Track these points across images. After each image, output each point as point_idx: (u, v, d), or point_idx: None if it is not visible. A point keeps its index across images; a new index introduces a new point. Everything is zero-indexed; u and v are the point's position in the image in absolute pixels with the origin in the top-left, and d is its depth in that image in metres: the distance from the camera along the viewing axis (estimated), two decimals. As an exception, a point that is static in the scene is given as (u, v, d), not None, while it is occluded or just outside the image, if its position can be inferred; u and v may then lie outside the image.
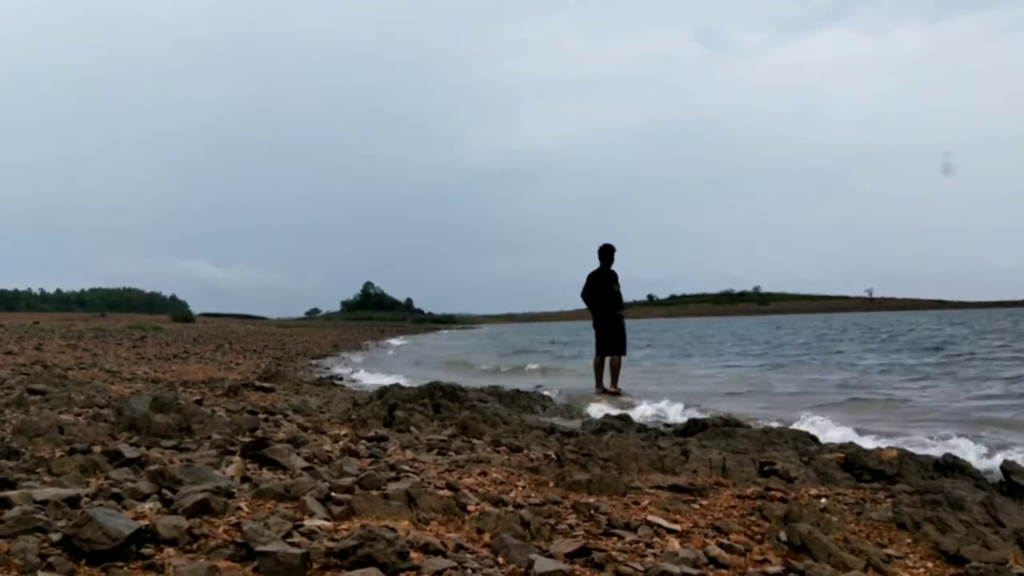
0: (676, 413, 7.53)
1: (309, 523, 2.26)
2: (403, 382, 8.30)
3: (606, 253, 9.70)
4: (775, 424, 6.15)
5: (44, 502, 2.22)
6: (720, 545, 2.47)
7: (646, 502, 2.98)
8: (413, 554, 2.07)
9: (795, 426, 6.03)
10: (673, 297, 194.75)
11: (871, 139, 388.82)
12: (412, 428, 4.90)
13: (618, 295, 9.76)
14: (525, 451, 4.25)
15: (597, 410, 7.71)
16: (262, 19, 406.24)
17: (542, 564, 2.07)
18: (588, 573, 2.15)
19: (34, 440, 3.31)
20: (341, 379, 11.77)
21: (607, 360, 9.61)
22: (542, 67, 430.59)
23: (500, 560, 2.15)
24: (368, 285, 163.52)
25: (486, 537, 2.35)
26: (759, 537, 2.65)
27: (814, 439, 5.30)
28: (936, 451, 5.06)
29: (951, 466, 3.99)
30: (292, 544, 2.04)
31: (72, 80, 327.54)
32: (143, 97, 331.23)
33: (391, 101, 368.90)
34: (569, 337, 33.36)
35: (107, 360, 11.37)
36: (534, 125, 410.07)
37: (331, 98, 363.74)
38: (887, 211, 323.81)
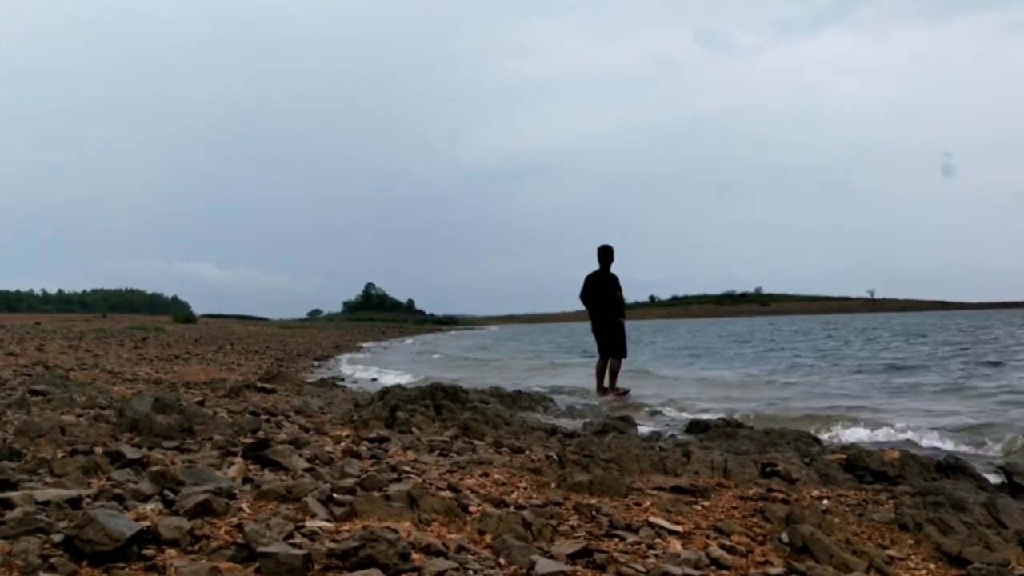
0: (678, 414, 7.53)
1: (311, 524, 2.26)
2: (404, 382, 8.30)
3: (605, 254, 9.59)
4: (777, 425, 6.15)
5: (46, 503, 2.22)
6: (722, 546, 2.47)
7: (648, 503, 2.98)
8: (415, 555, 2.07)
9: (796, 427, 6.03)
10: (675, 298, 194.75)
11: (871, 140, 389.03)
12: (414, 429, 4.90)
13: (621, 301, 9.69)
14: (527, 452, 4.25)
15: (598, 411, 7.71)
16: (262, 19, 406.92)
17: (544, 565, 2.07)
18: (590, 574, 2.15)
19: (36, 441, 3.31)
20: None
21: (608, 362, 9.59)
22: (542, 67, 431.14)
23: (502, 561, 2.15)
24: (370, 286, 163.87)
25: (488, 538, 2.35)
26: (761, 538, 2.65)
27: (816, 440, 5.30)
28: (938, 452, 5.07)
29: (953, 467, 3.99)
30: (294, 545, 2.04)
31: (72, 80, 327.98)
32: (144, 97, 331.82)
33: (392, 102, 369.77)
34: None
35: (109, 361, 11.38)
36: (535, 125, 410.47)
37: (332, 99, 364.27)
38: (888, 212, 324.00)
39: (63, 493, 2.32)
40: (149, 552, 1.95)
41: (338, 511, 2.43)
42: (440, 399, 6.05)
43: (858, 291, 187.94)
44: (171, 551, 1.98)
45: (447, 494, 2.78)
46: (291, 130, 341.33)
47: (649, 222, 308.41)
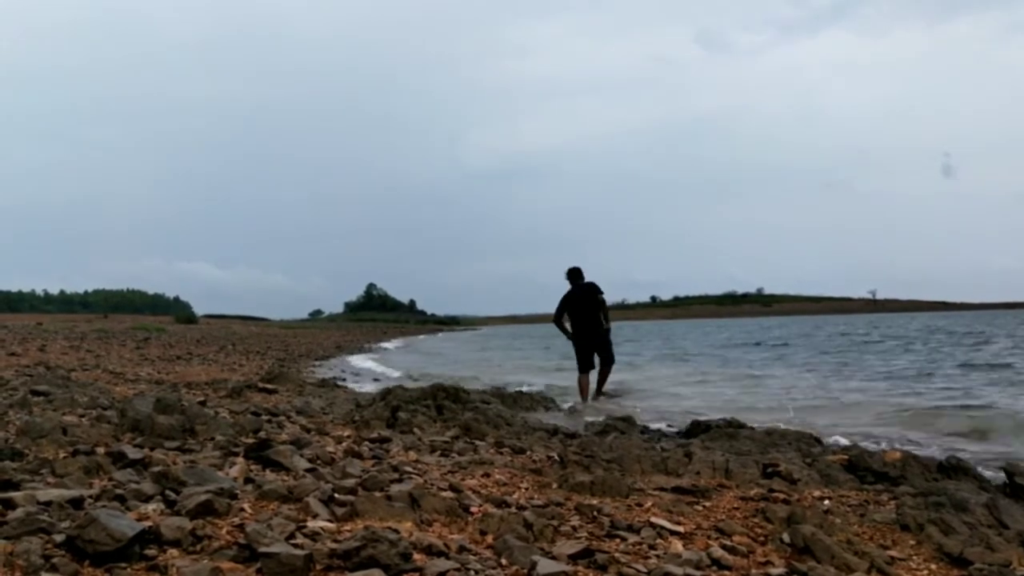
0: (679, 415, 7.53)
1: (312, 524, 2.27)
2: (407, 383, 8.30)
3: (575, 273, 9.34)
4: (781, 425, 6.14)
5: (48, 503, 2.23)
6: (723, 547, 2.47)
7: (649, 504, 2.98)
8: (416, 555, 2.07)
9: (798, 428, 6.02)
10: (676, 298, 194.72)
11: (871, 140, 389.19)
12: (415, 429, 4.90)
13: (606, 312, 9.47)
14: (528, 452, 4.25)
15: (600, 412, 7.71)
16: (262, 19, 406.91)
17: (545, 566, 2.07)
18: (591, 575, 2.15)
19: (38, 441, 3.32)
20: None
21: (593, 372, 9.36)
22: (542, 68, 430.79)
23: (503, 562, 2.15)
24: (371, 286, 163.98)
25: (489, 539, 2.35)
26: (762, 539, 2.65)
27: (817, 440, 5.30)
28: (940, 453, 5.06)
29: (955, 468, 3.98)
30: (295, 545, 2.04)
31: (72, 80, 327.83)
32: (144, 97, 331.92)
33: (392, 102, 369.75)
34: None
35: (110, 361, 11.39)
36: (535, 125, 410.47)
37: (332, 99, 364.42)
38: (888, 212, 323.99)
39: (65, 493, 2.33)
40: (151, 552, 1.95)
41: (340, 511, 2.43)
42: (441, 399, 6.05)
43: (859, 291, 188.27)
44: (173, 551, 1.98)
45: (449, 494, 2.78)
46: (291, 130, 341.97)
47: (649, 222, 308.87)
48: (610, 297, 9.68)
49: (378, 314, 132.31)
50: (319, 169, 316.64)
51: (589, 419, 6.75)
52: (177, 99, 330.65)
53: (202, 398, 5.90)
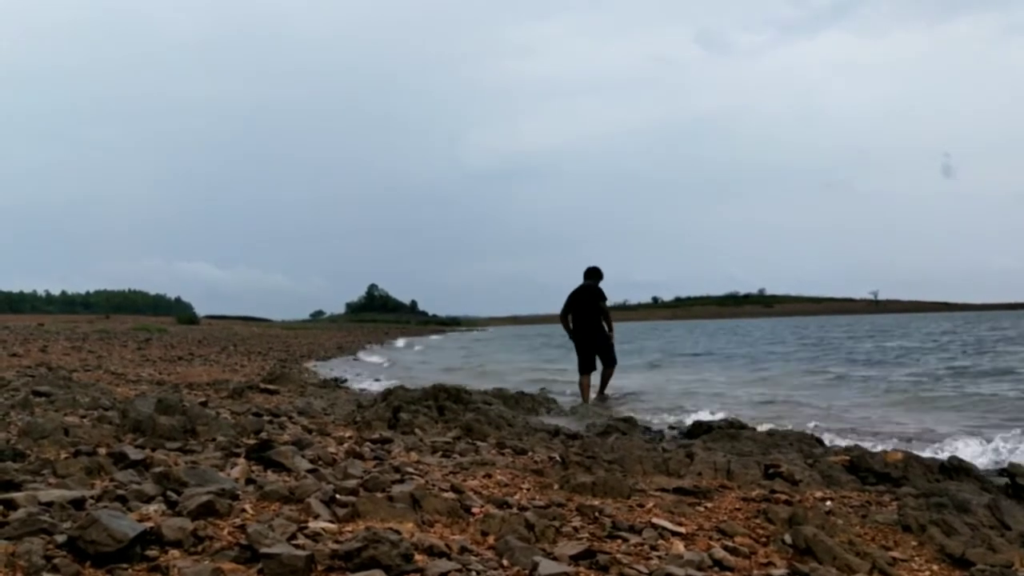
0: (680, 415, 7.52)
1: (313, 525, 2.27)
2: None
3: (593, 272, 9.39)
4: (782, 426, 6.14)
5: (49, 504, 2.23)
6: (725, 548, 2.47)
7: (651, 504, 2.98)
8: (417, 556, 2.07)
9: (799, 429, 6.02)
10: (678, 299, 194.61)
11: (871, 140, 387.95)
12: (416, 430, 4.90)
13: (608, 318, 9.48)
14: (529, 453, 4.25)
15: (602, 413, 7.70)
16: (262, 19, 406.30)
17: (546, 566, 2.07)
18: (592, 575, 2.15)
19: (39, 442, 3.32)
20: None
21: (595, 373, 9.39)
22: (542, 68, 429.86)
23: (504, 563, 2.15)
24: (372, 287, 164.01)
25: (490, 539, 2.35)
26: (764, 540, 2.65)
27: (819, 441, 5.30)
28: (942, 453, 5.06)
29: (956, 469, 3.98)
30: (296, 546, 2.04)
31: (72, 80, 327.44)
32: (144, 97, 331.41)
33: (392, 102, 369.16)
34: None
35: (112, 362, 11.40)
36: (535, 125, 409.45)
37: (332, 99, 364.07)
38: (889, 212, 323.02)
39: (66, 494, 2.33)
40: (152, 553, 1.95)
41: (341, 512, 2.43)
42: (443, 400, 6.05)
43: (860, 292, 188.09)
44: (174, 552, 1.98)
45: (450, 495, 2.78)
46: (291, 130, 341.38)
47: (649, 222, 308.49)
48: (611, 298, 9.68)
49: (379, 315, 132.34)
50: (319, 169, 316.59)
51: (591, 420, 6.74)
52: (177, 99, 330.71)
53: (203, 399, 5.90)
